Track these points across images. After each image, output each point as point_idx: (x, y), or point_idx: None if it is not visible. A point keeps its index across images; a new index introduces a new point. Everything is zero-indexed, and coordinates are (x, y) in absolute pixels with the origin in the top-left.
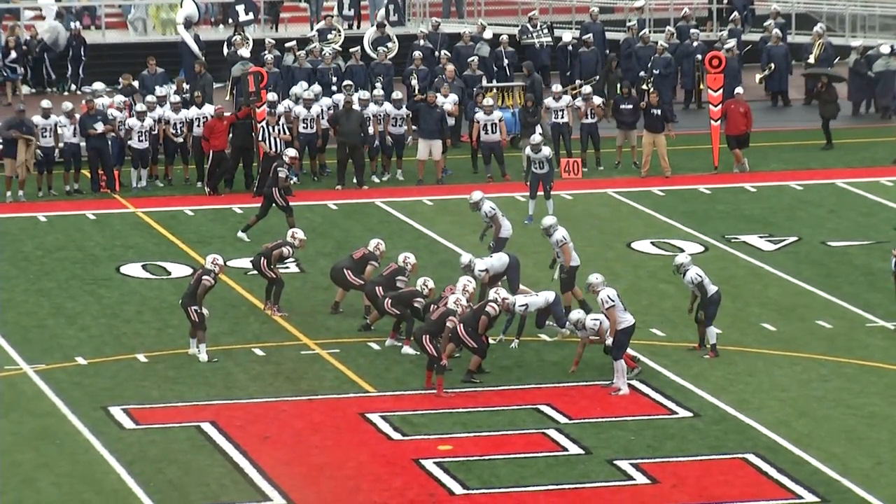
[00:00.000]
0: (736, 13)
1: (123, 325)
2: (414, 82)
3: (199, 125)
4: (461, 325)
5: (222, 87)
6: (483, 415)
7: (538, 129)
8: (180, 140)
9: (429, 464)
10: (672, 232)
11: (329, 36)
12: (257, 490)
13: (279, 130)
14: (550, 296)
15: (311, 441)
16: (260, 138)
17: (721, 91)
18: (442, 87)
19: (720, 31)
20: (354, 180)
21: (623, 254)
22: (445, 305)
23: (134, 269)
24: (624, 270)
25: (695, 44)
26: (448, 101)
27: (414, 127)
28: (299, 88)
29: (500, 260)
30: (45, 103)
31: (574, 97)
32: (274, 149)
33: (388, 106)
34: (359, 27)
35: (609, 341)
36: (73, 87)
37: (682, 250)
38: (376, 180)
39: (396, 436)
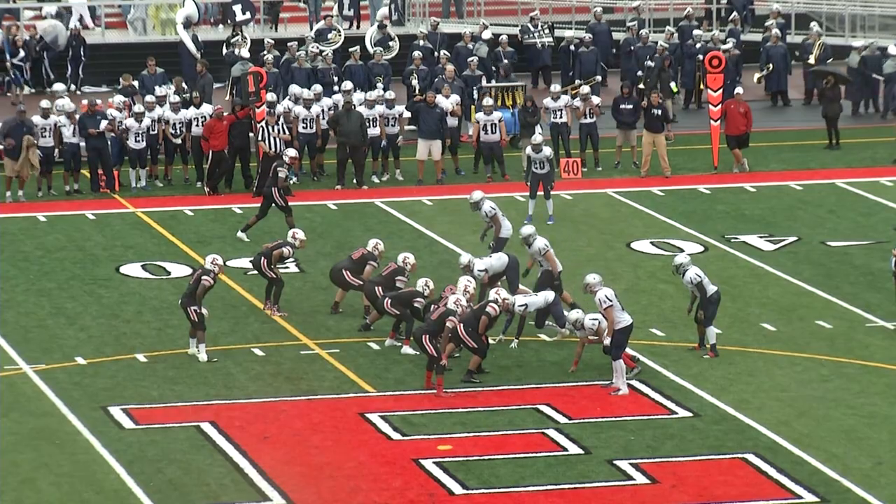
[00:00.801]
0: (735, 13)
1: (123, 326)
2: (414, 82)
3: (198, 125)
4: (461, 325)
5: (222, 87)
6: (483, 415)
7: (538, 129)
8: (179, 141)
9: (428, 464)
10: (672, 232)
11: (329, 36)
12: (257, 490)
13: (279, 130)
14: (550, 296)
15: (310, 441)
16: (259, 138)
17: (721, 91)
18: (443, 87)
19: (713, 31)
20: (354, 180)
21: (623, 254)
22: (446, 306)
23: (134, 269)
24: (624, 270)
25: (697, 45)
26: (450, 102)
27: (412, 127)
28: (298, 88)
29: (499, 260)
30: (45, 103)
31: (573, 97)
32: (273, 149)
33: (381, 105)
34: (359, 27)
35: (607, 341)
36: (73, 87)
37: (681, 250)
38: (376, 180)
39: (396, 436)
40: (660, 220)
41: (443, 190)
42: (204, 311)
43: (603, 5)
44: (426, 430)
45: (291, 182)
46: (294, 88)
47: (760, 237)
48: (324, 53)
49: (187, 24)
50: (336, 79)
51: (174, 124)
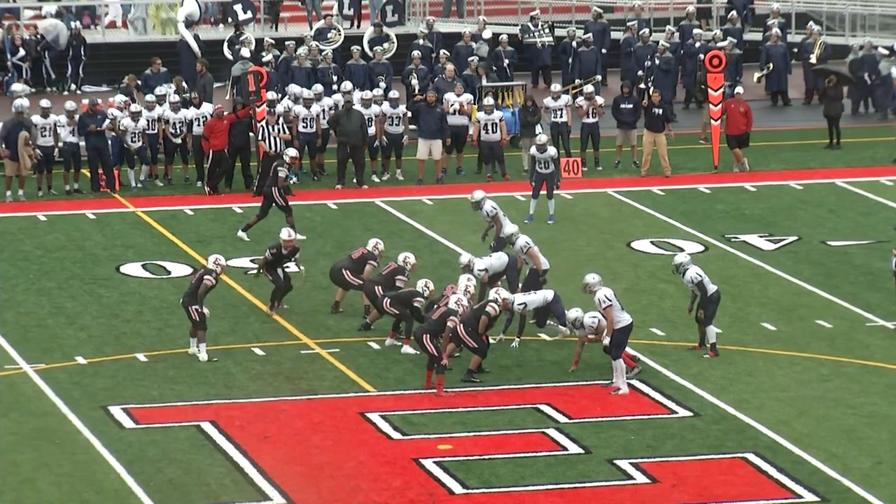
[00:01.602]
0: (734, 12)
1: (123, 325)
2: (414, 82)
3: (198, 125)
4: (461, 324)
5: (222, 87)
6: (483, 414)
7: (538, 128)
8: (178, 140)
9: (429, 463)
10: (672, 231)
11: (329, 35)
12: (257, 489)
13: (279, 130)
14: (549, 294)
15: (311, 440)
16: (260, 138)
17: (721, 90)
18: (456, 86)
19: (713, 30)
20: (354, 180)
21: (623, 253)
22: (446, 305)
23: (134, 269)
24: (624, 270)
25: (697, 44)
26: (461, 100)
27: (412, 127)
28: (297, 88)
29: (499, 259)
30: (45, 103)
31: (574, 97)
32: (273, 148)
33: (384, 105)
34: (359, 27)
35: (606, 341)
36: (73, 86)
37: (682, 250)
38: (376, 180)
39: (396, 435)
40: (660, 219)
41: (443, 189)
42: (205, 310)
43: (602, 5)
44: (426, 430)
45: (292, 182)
46: (294, 88)
47: (761, 237)
48: (324, 53)
49: (188, 23)
50: (335, 78)
51: (174, 124)
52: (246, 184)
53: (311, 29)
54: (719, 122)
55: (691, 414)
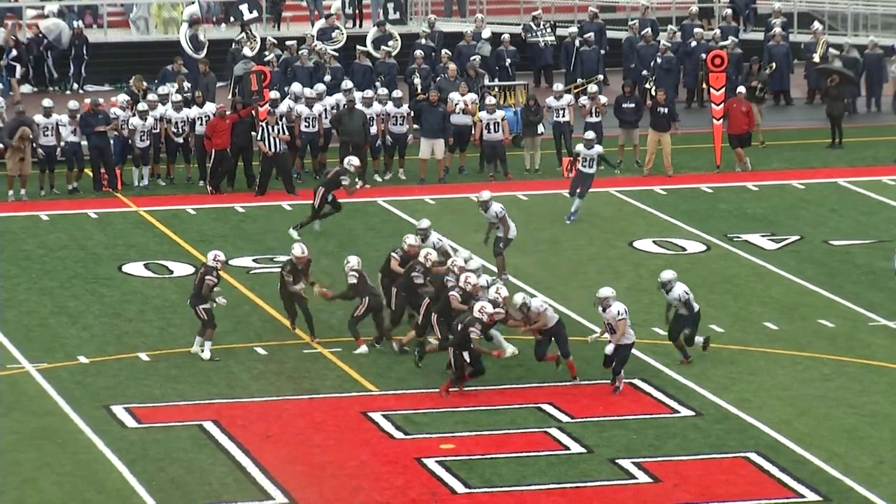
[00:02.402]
0: (729, 11)
1: (125, 324)
2: (416, 81)
3: (201, 124)
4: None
5: (225, 86)
6: (485, 414)
7: (541, 127)
8: (180, 140)
9: (431, 462)
10: (674, 231)
11: (333, 35)
12: (259, 489)
13: (279, 130)
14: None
15: (313, 440)
16: (259, 138)
17: (723, 90)
18: (461, 85)
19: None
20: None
21: (625, 252)
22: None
23: (136, 268)
24: (626, 269)
25: (695, 43)
26: (465, 99)
27: (415, 126)
28: (299, 87)
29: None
30: (47, 102)
31: (576, 96)
32: (273, 149)
33: (388, 105)
34: (360, 26)
35: (610, 349)
36: (76, 85)
37: (684, 249)
38: (378, 179)
39: (398, 434)
40: (662, 218)
41: (445, 189)
42: (221, 300)
43: (604, 4)
44: (428, 429)
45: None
46: (295, 87)
47: (763, 236)
48: (326, 53)
49: (192, 22)
50: (329, 78)
51: (176, 123)
52: (248, 183)
53: (313, 28)
54: (721, 121)
55: (693, 413)
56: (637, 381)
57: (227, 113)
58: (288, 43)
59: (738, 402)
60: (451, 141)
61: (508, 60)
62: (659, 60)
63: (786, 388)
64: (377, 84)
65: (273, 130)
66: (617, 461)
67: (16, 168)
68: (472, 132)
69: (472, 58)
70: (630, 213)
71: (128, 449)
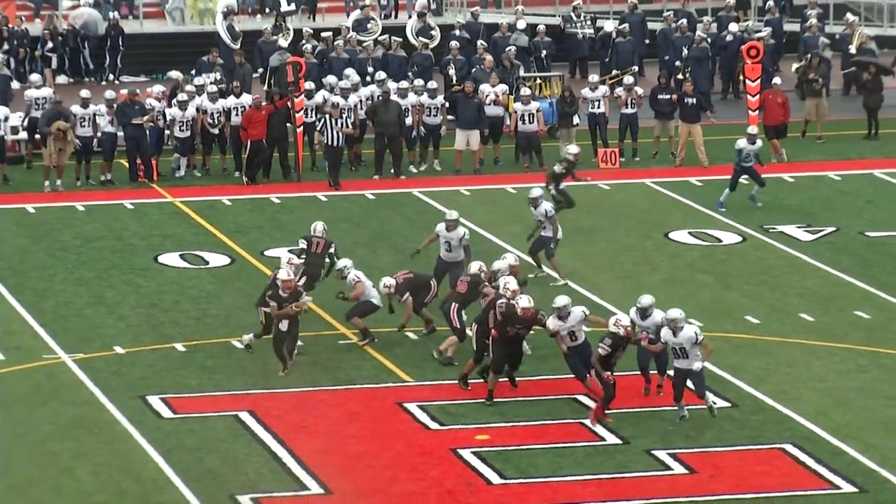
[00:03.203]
0: (771, 2)
1: (161, 315)
2: (451, 72)
3: (237, 114)
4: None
5: (260, 77)
6: (520, 405)
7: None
8: (216, 131)
9: (466, 453)
10: (710, 222)
11: (368, 26)
12: (295, 479)
13: (342, 124)
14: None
15: (348, 431)
16: (319, 130)
17: (759, 81)
18: (492, 77)
19: (749, 21)
20: (392, 170)
21: (661, 244)
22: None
23: (172, 259)
24: (661, 261)
25: (730, 37)
26: (496, 91)
27: (451, 117)
28: (334, 78)
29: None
30: (85, 93)
31: (611, 87)
32: (336, 142)
33: (423, 96)
34: (396, 17)
35: (697, 365)
36: (111, 76)
37: (720, 240)
38: (414, 170)
39: (434, 425)
40: (698, 210)
41: (480, 180)
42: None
43: None
44: (464, 420)
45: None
46: (330, 79)
47: (799, 227)
48: (364, 44)
49: (227, 13)
50: (372, 70)
51: (212, 114)
52: (284, 174)
53: (349, 19)
54: (757, 112)
55: (729, 404)
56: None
57: (263, 104)
58: (323, 34)
59: (774, 393)
60: (486, 132)
61: (544, 52)
62: (686, 52)
63: (822, 380)
64: (409, 76)
65: (336, 124)
66: (653, 452)
67: (53, 159)
68: (506, 123)
69: (507, 49)
70: (666, 204)
71: (164, 439)
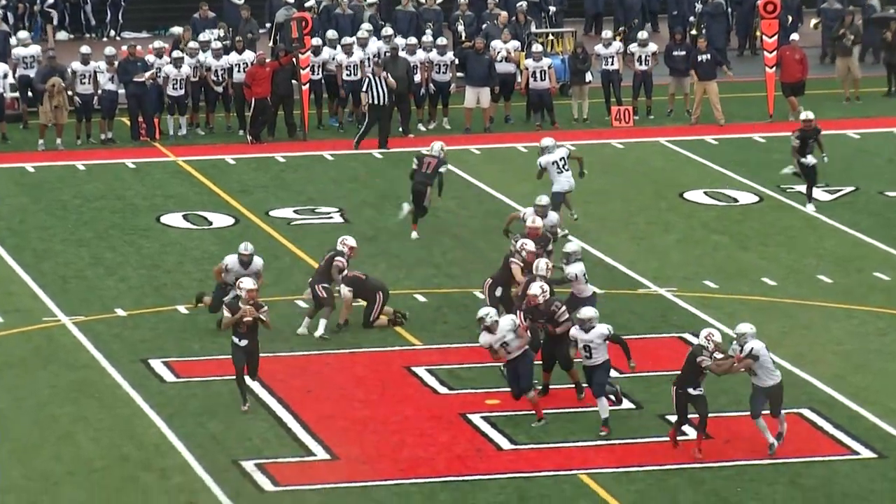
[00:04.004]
0: None
1: (164, 276)
2: (461, 28)
3: (240, 71)
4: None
5: (265, 33)
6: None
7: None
8: (220, 89)
9: (476, 418)
10: (726, 182)
11: None
12: (300, 444)
13: (381, 81)
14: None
15: (354, 395)
16: (364, 89)
17: (776, 37)
18: (503, 33)
19: None
20: (400, 128)
21: (675, 204)
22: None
23: (174, 219)
24: (676, 221)
25: None
26: (508, 47)
27: (461, 74)
28: (333, 33)
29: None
30: (85, 49)
31: (625, 43)
32: (379, 100)
33: (433, 52)
34: None
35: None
36: (112, 32)
37: (736, 200)
38: (422, 128)
39: (443, 390)
40: (714, 169)
41: (490, 138)
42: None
43: None
44: (474, 385)
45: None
46: (330, 33)
47: (817, 187)
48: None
49: None
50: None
51: (216, 71)
52: (289, 132)
53: None
54: (774, 69)
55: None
56: (687, 336)
57: (268, 60)
58: None
59: (792, 356)
60: (496, 89)
61: (553, 8)
62: (700, 7)
63: (840, 343)
64: (426, 31)
65: (381, 82)
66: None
67: (50, 116)
68: (518, 80)
69: (519, 3)
70: (681, 163)
71: (166, 403)
